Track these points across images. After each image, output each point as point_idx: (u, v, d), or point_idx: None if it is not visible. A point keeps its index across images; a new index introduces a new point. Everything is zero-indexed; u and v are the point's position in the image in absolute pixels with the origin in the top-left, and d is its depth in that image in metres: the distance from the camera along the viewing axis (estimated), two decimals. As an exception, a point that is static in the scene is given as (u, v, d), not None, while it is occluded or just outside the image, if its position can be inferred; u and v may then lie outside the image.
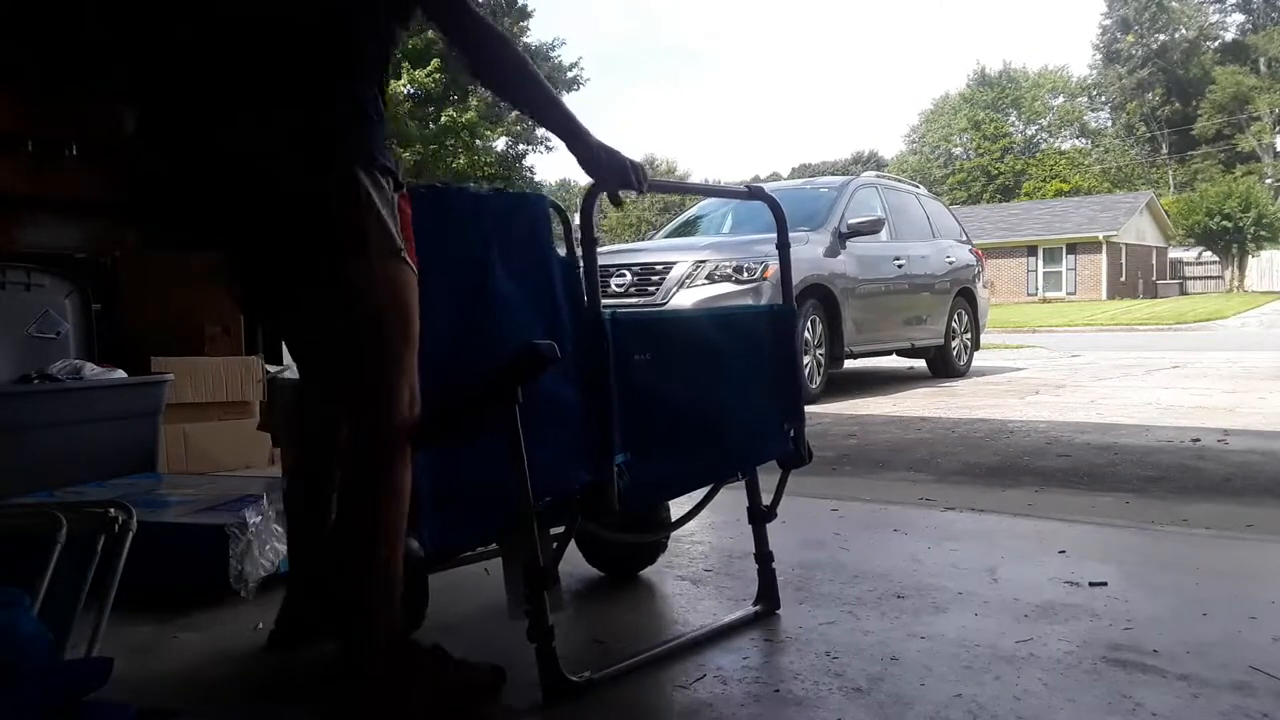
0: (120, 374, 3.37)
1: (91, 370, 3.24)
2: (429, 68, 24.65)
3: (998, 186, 49.92)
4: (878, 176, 8.83)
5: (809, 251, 6.86)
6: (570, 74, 29.83)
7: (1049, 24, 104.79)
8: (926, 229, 8.69)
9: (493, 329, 1.91)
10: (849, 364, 7.39)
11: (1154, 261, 35.78)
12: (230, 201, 1.63)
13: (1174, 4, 51.08)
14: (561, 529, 1.77)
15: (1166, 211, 36.34)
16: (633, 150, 1.81)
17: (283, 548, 2.35)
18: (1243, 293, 32.52)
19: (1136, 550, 2.72)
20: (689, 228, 8.67)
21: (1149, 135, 51.11)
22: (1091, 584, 2.25)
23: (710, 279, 6.53)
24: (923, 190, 9.46)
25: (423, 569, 1.94)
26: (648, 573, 2.42)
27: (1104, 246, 31.59)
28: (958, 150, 54.32)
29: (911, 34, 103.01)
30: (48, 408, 3.04)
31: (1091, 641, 1.88)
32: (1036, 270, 33.03)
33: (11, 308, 3.39)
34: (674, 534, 2.48)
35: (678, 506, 2.17)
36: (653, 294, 6.60)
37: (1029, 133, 54.06)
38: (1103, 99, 54.02)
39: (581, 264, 1.84)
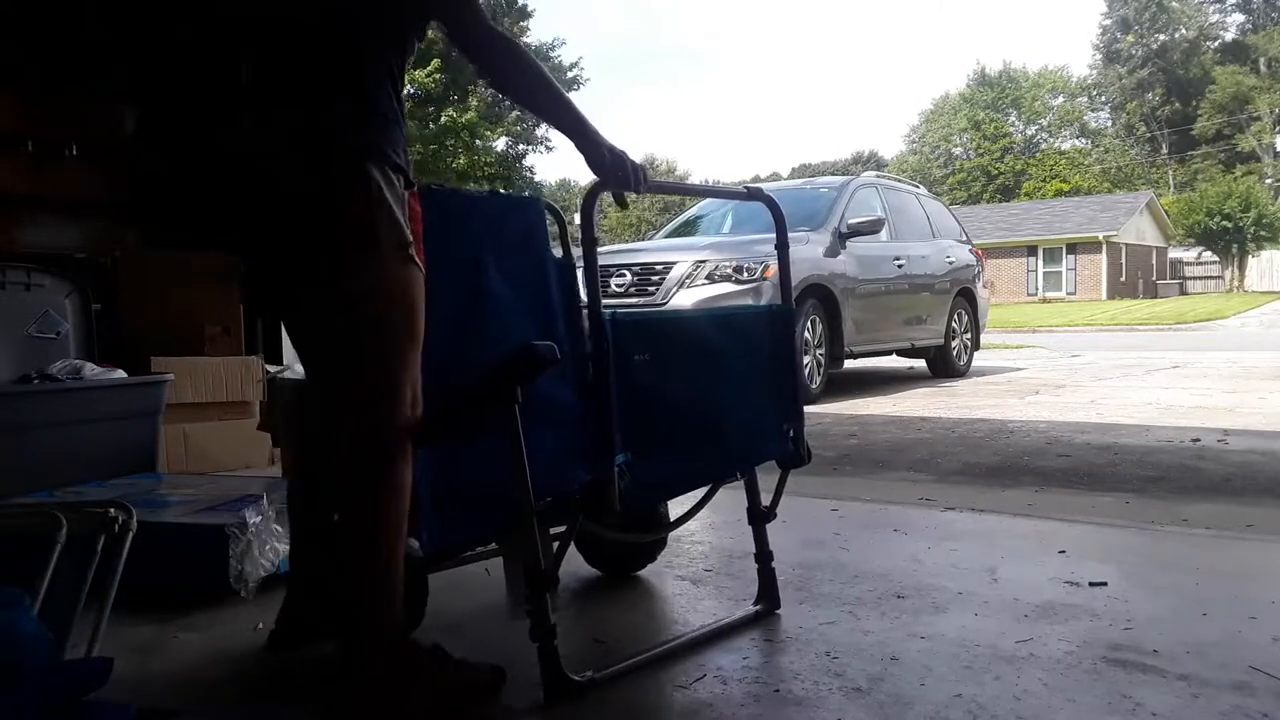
0: (120, 374, 3.37)
1: (91, 370, 3.24)
2: (429, 68, 24.67)
3: (998, 186, 49.92)
4: (878, 176, 8.83)
5: (809, 251, 6.86)
6: (570, 74, 29.85)
7: (1049, 24, 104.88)
8: (926, 229, 8.69)
9: (488, 331, 1.91)
10: (849, 364, 7.39)
11: (1154, 261, 35.78)
12: (241, 200, 1.64)
13: (1174, 4, 51.09)
14: (562, 529, 1.77)
15: (1166, 211, 36.35)
16: (632, 150, 1.81)
17: (283, 548, 2.35)
18: (1243, 293, 32.52)
19: (1136, 550, 2.72)
20: (689, 228, 8.67)
21: (1149, 135, 51.11)
22: (1091, 584, 2.25)
23: (710, 279, 6.53)
24: (923, 190, 9.46)
25: (423, 569, 1.94)
26: (648, 573, 2.42)
27: (1104, 246, 31.59)
28: (958, 150, 54.32)
29: (911, 34, 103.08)
30: (48, 408, 3.04)
31: (1091, 641, 1.88)
32: (1036, 270, 33.03)
33: (11, 308, 3.39)
34: (674, 534, 2.48)
35: (677, 506, 2.17)
36: (653, 294, 6.60)
37: (1029, 133, 54.06)
38: (1103, 99, 54.03)
39: (582, 264, 1.84)
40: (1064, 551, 2.57)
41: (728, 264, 6.55)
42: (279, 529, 2.36)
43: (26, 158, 3.98)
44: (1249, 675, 1.70)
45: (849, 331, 7.11)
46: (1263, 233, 34.38)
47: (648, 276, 6.69)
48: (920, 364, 9.00)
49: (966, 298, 8.89)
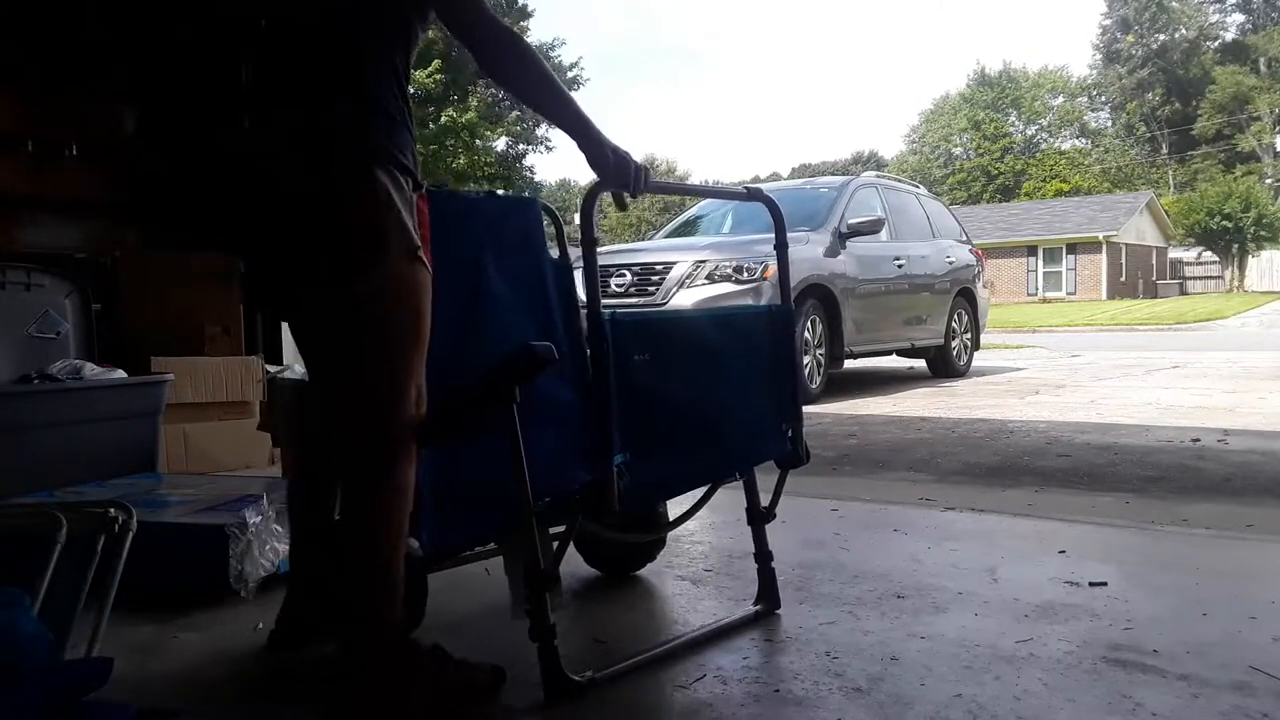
0: (120, 374, 3.37)
1: (91, 370, 3.24)
2: (429, 68, 24.67)
3: (998, 186, 49.92)
4: (878, 176, 8.83)
5: (809, 251, 6.86)
6: (570, 74, 29.86)
7: (1049, 24, 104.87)
8: (926, 229, 8.69)
9: (487, 331, 1.92)
10: (849, 364, 7.39)
11: (1154, 261, 35.78)
12: (245, 201, 1.64)
13: (1174, 4, 51.08)
14: (562, 529, 1.77)
15: (1166, 211, 36.34)
16: (632, 150, 1.80)
17: (283, 548, 2.35)
18: (1243, 293, 32.52)
19: (1136, 550, 2.72)
20: (689, 228, 8.67)
21: (1149, 135, 51.10)
22: (1091, 584, 2.25)
23: (710, 279, 6.53)
24: (923, 190, 9.46)
25: (423, 568, 1.94)
26: (647, 573, 2.42)
27: (1104, 246, 31.59)
28: (958, 150, 54.31)
29: (911, 34, 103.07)
30: (48, 408, 3.04)
31: (1091, 641, 1.88)
32: (1036, 270, 33.03)
33: (11, 308, 3.39)
34: (674, 534, 2.49)
35: (677, 506, 2.17)
36: (653, 294, 6.60)
37: (1029, 133, 54.06)
38: (1103, 99, 54.02)
39: (581, 264, 1.84)
40: (1064, 551, 2.57)
41: (728, 264, 6.55)
42: (279, 529, 2.36)
43: (26, 158, 3.98)
44: (1249, 675, 1.70)
45: (849, 331, 7.11)
46: (1263, 233, 34.37)
47: (647, 276, 6.69)
48: (920, 364, 9.00)
49: (966, 298, 8.89)
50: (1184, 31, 51.26)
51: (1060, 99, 54.41)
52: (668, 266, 6.66)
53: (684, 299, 6.45)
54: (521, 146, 30.16)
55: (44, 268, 3.52)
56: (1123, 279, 32.64)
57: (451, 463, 1.81)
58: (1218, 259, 36.30)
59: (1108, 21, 53.40)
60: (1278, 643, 1.86)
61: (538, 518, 1.67)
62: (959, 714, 1.57)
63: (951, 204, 16.21)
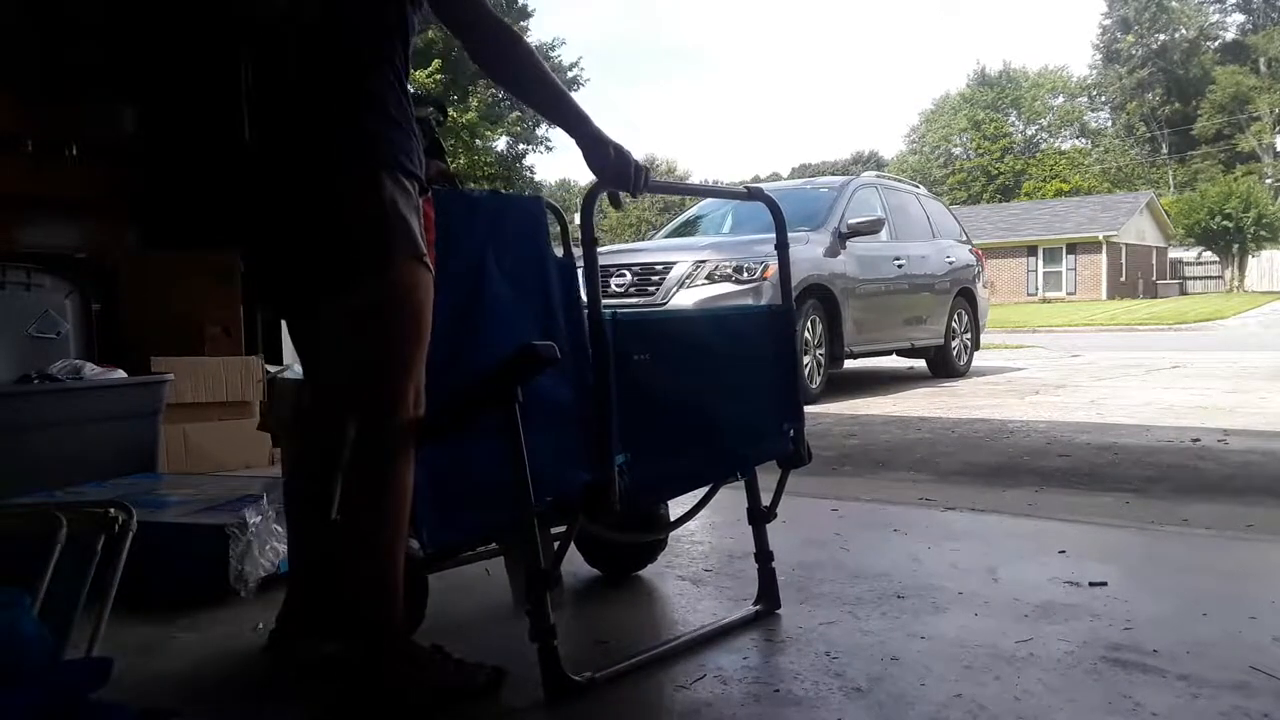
0: (120, 374, 3.37)
1: (91, 370, 3.24)
2: (429, 68, 24.67)
3: (998, 186, 49.91)
4: (878, 176, 8.83)
5: (809, 251, 6.86)
6: (570, 74, 29.87)
7: (1049, 24, 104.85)
8: (926, 229, 8.69)
9: (489, 330, 1.92)
10: (849, 364, 7.39)
11: (1154, 261, 35.78)
12: (250, 205, 1.64)
13: (1174, 4, 51.08)
14: (562, 529, 1.77)
15: (1166, 211, 36.34)
16: (632, 150, 1.79)
17: (283, 548, 2.35)
18: (1243, 293, 32.52)
19: (1136, 550, 2.72)
20: (689, 228, 8.67)
21: (1149, 135, 51.10)
22: (1091, 584, 2.25)
23: (710, 279, 6.53)
24: (923, 190, 9.46)
25: (423, 569, 1.94)
26: (648, 573, 2.42)
27: (1104, 246, 31.58)
28: (958, 150, 54.31)
29: (912, 34, 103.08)
30: (48, 408, 3.04)
31: (1091, 641, 1.88)
32: (1036, 270, 33.02)
33: (11, 308, 3.39)
34: (674, 534, 2.48)
35: (677, 506, 2.16)
36: (653, 294, 6.60)
37: (1029, 133, 54.06)
38: (1103, 99, 54.02)
39: (582, 264, 1.84)
40: (1064, 551, 2.57)
41: (728, 264, 6.55)
42: (279, 529, 2.36)
43: (26, 158, 3.98)
44: (1249, 675, 1.70)
45: (849, 331, 7.11)
46: (1263, 232, 34.38)
47: (648, 276, 6.69)
48: (920, 364, 9.00)
49: (966, 298, 8.89)
50: (1184, 31, 51.26)
51: (1060, 99, 54.42)
52: (668, 266, 6.66)
53: (684, 299, 6.45)
54: (521, 146, 30.18)
55: (44, 268, 3.52)
56: (1123, 279, 32.64)
57: (452, 463, 1.80)
58: (1218, 259, 36.30)
59: (1108, 21, 53.44)
60: (1278, 643, 1.86)
61: (538, 518, 1.67)
62: (959, 714, 1.57)
63: (951, 204, 16.19)
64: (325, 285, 1.60)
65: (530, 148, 30.41)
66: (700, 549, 2.69)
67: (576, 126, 1.73)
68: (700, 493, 2.12)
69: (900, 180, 9.63)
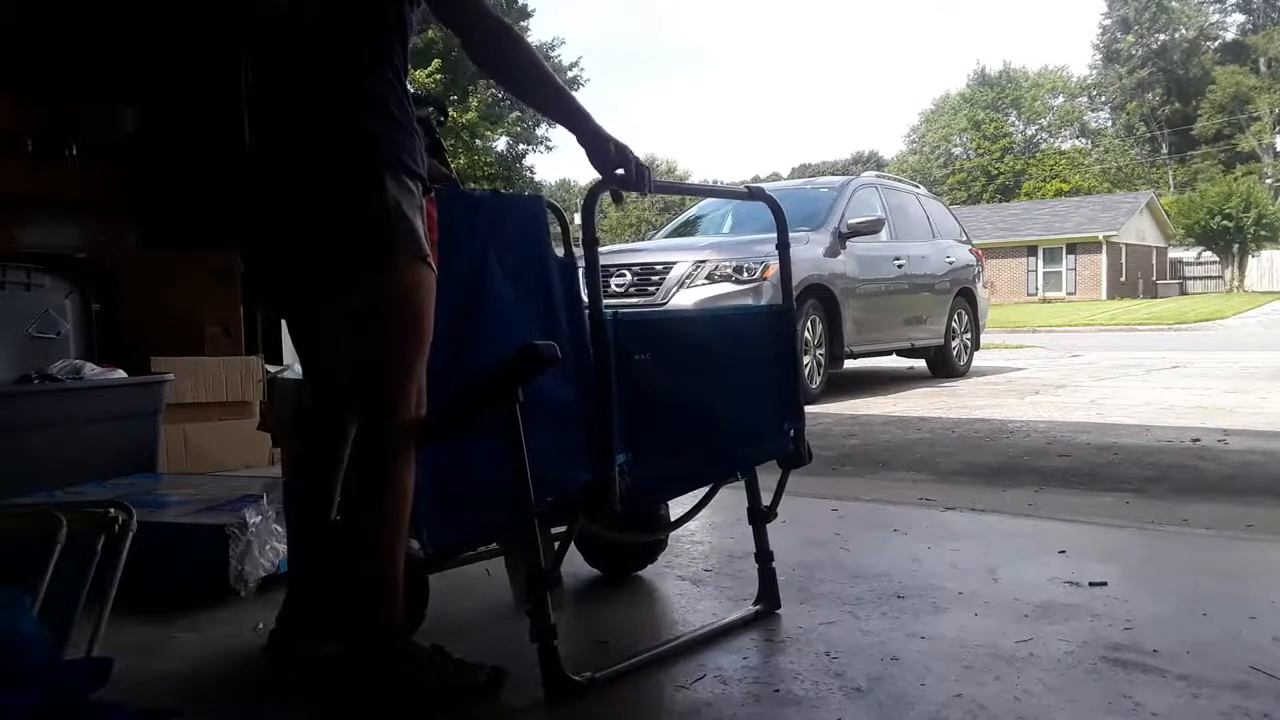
0: (120, 374, 3.37)
1: (91, 370, 3.24)
2: (429, 68, 24.68)
3: (998, 186, 49.91)
4: (878, 176, 8.83)
5: (809, 251, 6.86)
6: (570, 74, 29.88)
7: (1049, 24, 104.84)
8: (926, 229, 8.69)
9: (490, 330, 1.92)
10: (849, 364, 7.39)
11: (1154, 261, 35.77)
12: (255, 205, 1.64)
13: (1174, 4, 51.07)
14: (563, 529, 1.77)
15: (1166, 211, 36.34)
16: (632, 149, 1.79)
17: (283, 548, 2.35)
18: (1243, 293, 32.52)
19: (1136, 550, 2.72)
20: (689, 228, 8.67)
21: (1149, 135, 51.10)
22: (1091, 584, 2.25)
23: (710, 279, 6.53)
24: (923, 190, 9.46)
25: (423, 569, 1.94)
26: (648, 573, 2.42)
27: (1104, 246, 31.59)
28: (958, 150, 54.31)
29: (912, 34, 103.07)
30: (48, 408, 3.04)
31: (1091, 641, 1.88)
32: (1036, 270, 33.02)
33: (11, 308, 3.39)
34: (674, 534, 2.48)
35: (678, 506, 2.16)
36: (653, 294, 6.60)
37: (1029, 133, 54.06)
38: (1103, 99, 54.02)
39: (583, 263, 1.83)
40: (1064, 551, 2.57)
41: (728, 264, 6.55)
42: (279, 529, 2.36)
43: (26, 158, 3.98)
44: (1249, 675, 1.70)
45: (849, 331, 7.11)
46: (1263, 232, 34.38)
47: (648, 276, 6.70)
48: (920, 364, 9.00)
49: (966, 298, 8.89)
50: (1184, 31, 51.26)
51: (1060, 99, 54.42)
52: (668, 266, 6.66)
53: (684, 299, 6.45)
54: (521, 146, 30.20)
55: (44, 268, 3.52)
56: (1123, 279, 32.64)
57: (453, 463, 1.81)
58: (1218, 259, 36.30)
59: (1108, 21, 53.44)
60: (1278, 643, 1.86)
61: (539, 518, 1.67)
62: (959, 714, 1.57)
63: (951, 204, 16.19)
64: (327, 285, 1.60)
65: (530, 148, 30.46)
66: (700, 549, 2.69)
67: (578, 125, 1.73)
68: (700, 493, 2.12)
69: (900, 180, 9.63)
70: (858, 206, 7.72)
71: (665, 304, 6.46)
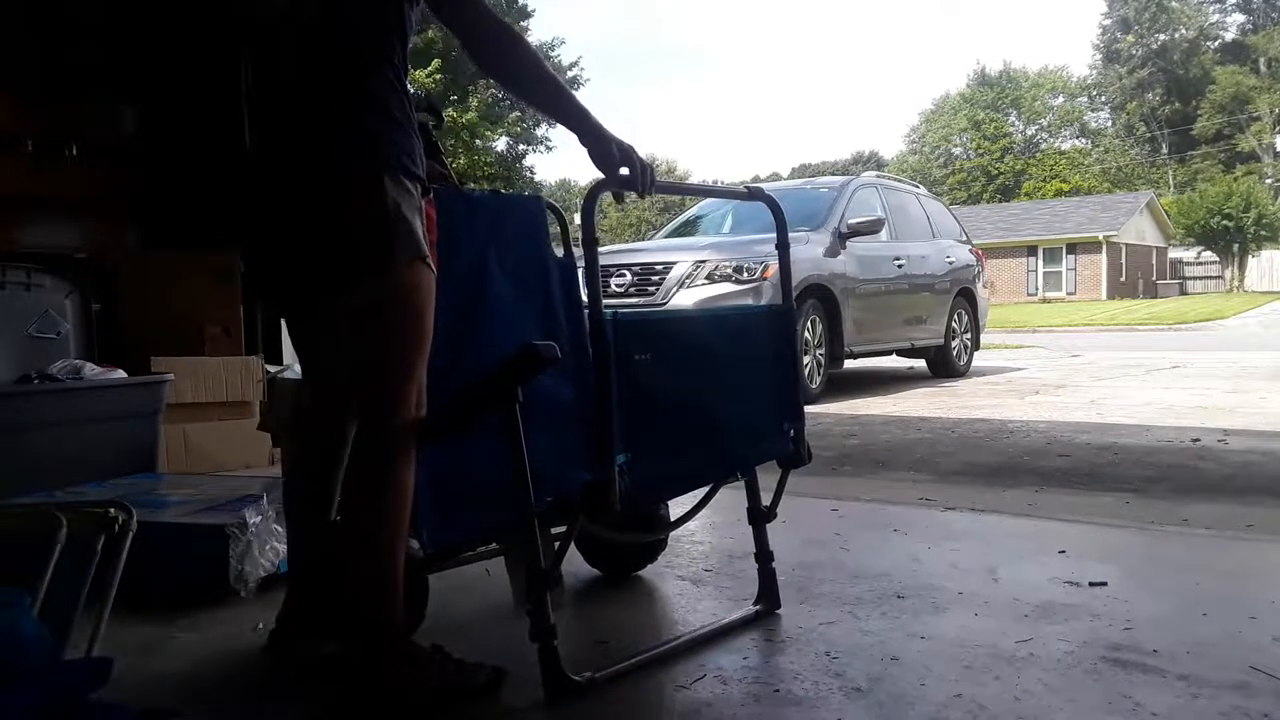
0: (120, 374, 3.37)
1: (91, 370, 3.24)
2: (429, 68, 24.67)
3: (998, 186, 49.91)
4: (878, 176, 8.83)
5: (809, 251, 6.86)
6: (570, 74, 29.88)
7: (1049, 24, 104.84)
8: (926, 229, 8.69)
9: (490, 330, 1.92)
10: (849, 364, 7.39)
11: (1154, 261, 35.77)
12: (256, 206, 1.64)
13: (1174, 4, 51.07)
14: (563, 529, 1.77)
15: (1166, 211, 36.34)
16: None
17: (283, 548, 2.35)
18: (1243, 293, 32.52)
19: (1136, 550, 2.72)
20: (689, 228, 8.67)
21: (1149, 135, 51.10)
22: (1091, 584, 2.25)
23: (710, 279, 6.53)
24: (923, 190, 9.46)
25: (423, 569, 1.94)
26: (648, 573, 2.42)
27: (1104, 246, 31.58)
28: (958, 150, 54.31)
29: (912, 34, 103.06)
30: (48, 408, 3.04)
31: (1091, 641, 1.88)
32: (1036, 270, 33.02)
33: (11, 308, 3.39)
34: (674, 534, 2.48)
35: (678, 506, 2.16)
36: (653, 294, 6.60)
37: (1029, 133, 54.06)
38: (1103, 99, 54.02)
39: (582, 263, 1.83)
40: (1064, 551, 2.57)
41: (728, 264, 6.55)
42: (279, 529, 2.36)
43: (26, 158, 3.98)
44: (1249, 675, 1.70)
45: (849, 331, 7.11)
46: (1263, 232, 34.38)
47: (648, 276, 6.69)
48: (920, 364, 9.00)
49: (966, 298, 8.89)
50: (1184, 31, 51.26)
51: (1060, 99, 54.42)
52: (668, 266, 6.66)
53: (684, 299, 6.45)
54: (521, 147, 30.20)
55: (44, 268, 3.52)
56: (1123, 279, 32.64)
57: (453, 463, 1.81)
58: (1218, 259, 36.30)
59: (1108, 21, 53.44)
60: (1278, 643, 1.86)
61: (539, 518, 1.67)
62: (959, 714, 1.57)
63: (951, 204, 16.18)
64: (327, 286, 1.60)
65: (530, 148, 30.45)
66: (700, 549, 2.69)
67: (580, 124, 1.73)
68: (700, 493, 2.12)
69: (900, 180, 9.63)
70: (858, 206, 7.71)
71: (665, 304, 6.46)
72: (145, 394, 3.35)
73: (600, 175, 1.76)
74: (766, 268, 6.42)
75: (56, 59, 4.15)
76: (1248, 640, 1.88)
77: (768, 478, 2.11)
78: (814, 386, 6.70)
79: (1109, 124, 54.10)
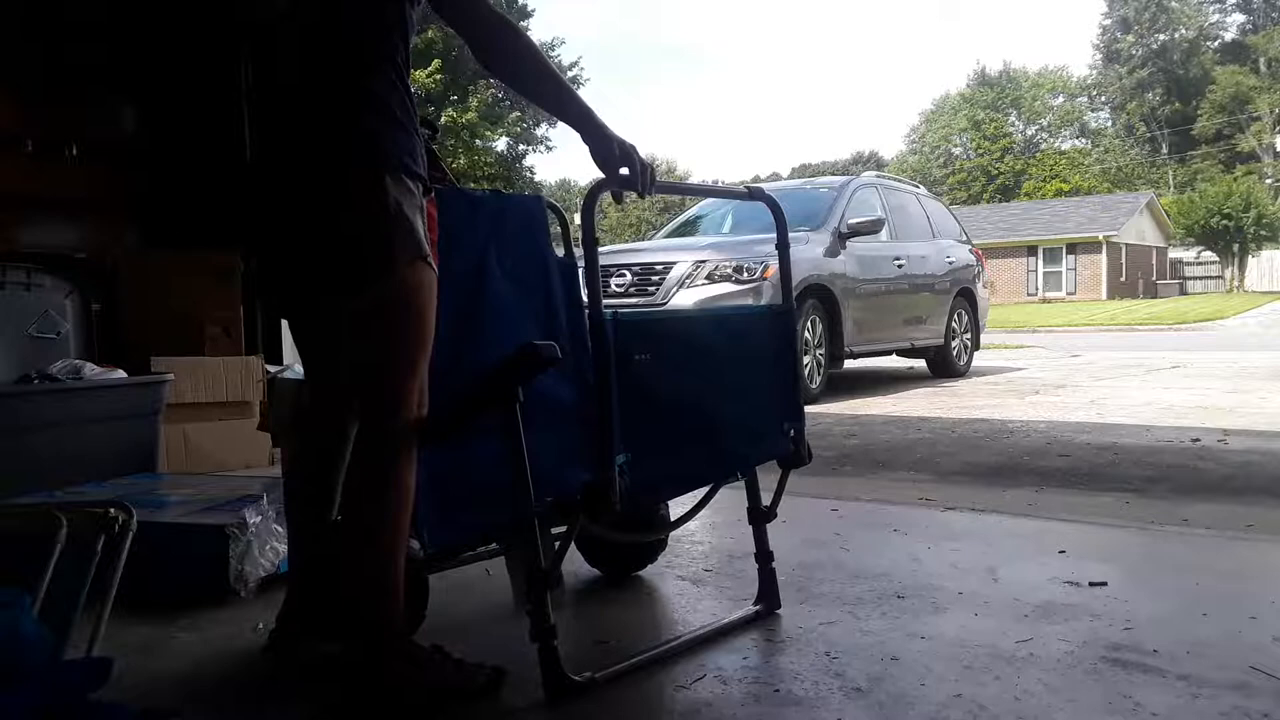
0: (120, 374, 3.37)
1: (91, 370, 3.24)
2: (429, 68, 24.68)
3: (998, 186, 49.91)
4: (878, 176, 8.83)
5: (809, 251, 6.87)
6: (570, 74, 29.88)
7: (1049, 24, 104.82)
8: (926, 229, 8.69)
9: (490, 330, 1.92)
10: (849, 364, 7.39)
11: (1154, 261, 35.77)
12: (257, 206, 1.64)
13: (1174, 4, 51.07)
14: (563, 529, 1.77)
15: (1166, 211, 36.34)
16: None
17: (283, 548, 2.35)
18: (1243, 293, 32.52)
19: (1136, 550, 2.72)
20: (689, 228, 8.67)
21: (1149, 135, 51.10)
22: (1091, 584, 2.25)
23: (710, 279, 6.53)
24: (923, 190, 9.46)
25: (423, 569, 1.94)
26: (648, 573, 2.42)
27: (1104, 246, 31.58)
28: (958, 150, 54.31)
29: (912, 34, 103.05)
30: (48, 408, 3.04)
31: (1091, 641, 1.88)
32: (1036, 270, 33.02)
33: (11, 308, 3.39)
34: (674, 534, 2.48)
35: (678, 506, 2.16)
36: (653, 294, 6.60)
37: (1029, 133, 54.07)
38: (1103, 99, 54.02)
39: (583, 263, 1.83)
40: (1064, 551, 2.57)
41: (728, 264, 6.55)
42: (279, 529, 2.36)
43: (26, 158, 3.98)
44: (1249, 675, 1.70)
45: (849, 331, 7.11)
46: (1263, 232, 34.38)
47: (648, 276, 6.69)
48: (920, 364, 9.00)
49: (966, 298, 8.89)
50: (1184, 31, 51.25)
51: (1060, 99, 54.43)
52: (668, 266, 6.66)
53: (684, 299, 6.45)
54: (522, 147, 30.20)
55: (44, 268, 3.52)
56: (1123, 279, 32.64)
57: (453, 463, 1.81)
58: (1218, 259, 36.30)
59: (1108, 21, 53.45)
60: (1278, 643, 1.86)
61: (539, 518, 1.67)
62: (959, 714, 1.57)
63: (951, 204, 16.18)
64: (329, 286, 1.60)
65: (530, 148, 30.46)
66: (700, 549, 2.69)
67: (581, 122, 1.73)
68: (700, 493, 2.11)
69: (900, 180, 9.63)
70: (858, 206, 7.72)
71: (665, 304, 6.46)
72: (145, 394, 3.35)
73: (600, 174, 1.76)
74: (766, 268, 6.42)
75: (56, 59, 4.16)
76: (1248, 640, 1.88)
77: (768, 478, 2.11)
78: (814, 386, 6.70)
79: (1109, 124, 54.14)
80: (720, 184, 5.75)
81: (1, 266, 3.37)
